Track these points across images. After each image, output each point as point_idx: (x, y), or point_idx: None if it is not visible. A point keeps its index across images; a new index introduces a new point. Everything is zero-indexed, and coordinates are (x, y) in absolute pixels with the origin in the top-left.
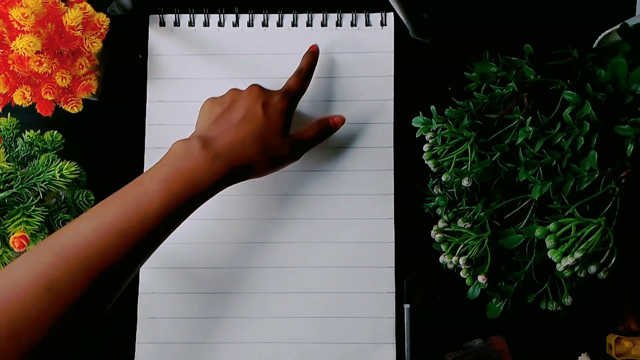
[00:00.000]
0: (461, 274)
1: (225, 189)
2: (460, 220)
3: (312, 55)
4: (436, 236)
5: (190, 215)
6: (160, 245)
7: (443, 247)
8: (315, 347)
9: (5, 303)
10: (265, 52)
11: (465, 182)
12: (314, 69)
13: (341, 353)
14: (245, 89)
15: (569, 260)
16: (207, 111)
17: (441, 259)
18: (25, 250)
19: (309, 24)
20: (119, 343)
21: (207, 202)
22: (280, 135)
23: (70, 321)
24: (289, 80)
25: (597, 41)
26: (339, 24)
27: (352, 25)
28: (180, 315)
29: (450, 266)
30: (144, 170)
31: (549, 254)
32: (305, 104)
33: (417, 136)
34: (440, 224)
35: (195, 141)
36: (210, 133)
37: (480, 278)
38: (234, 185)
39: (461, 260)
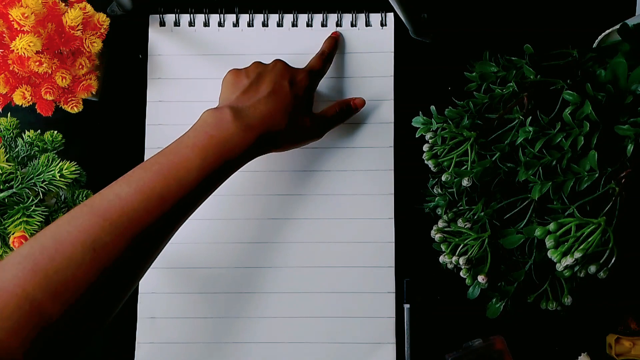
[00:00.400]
0: (461, 274)
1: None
2: (460, 220)
3: (334, 40)
4: (436, 236)
5: (190, 215)
6: None
7: (443, 247)
8: (315, 347)
9: (51, 262)
10: (266, 52)
11: (465, 182)
12: (334, 53)
13: (341, 353)
14: (270, 62)
15: (568, 260)
16: (232, 82)
17: (441, 259)
18: None
19: (309, 24)
20: (118, 343)
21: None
22: (305, 111)
23: (112, 280)
24: (312, 60)
25: (597, 41)
26: (339, 24)
27: (352, 25)
28: (180, 315)
29: (450, 266)
30: None
31: (549, 253)
32: None
33: (417, 136)
34: (440, 223)
35: (227, 111)
36: (240, 104)
37: (480, 278)
38: (233, 185)
39: (461, 260)
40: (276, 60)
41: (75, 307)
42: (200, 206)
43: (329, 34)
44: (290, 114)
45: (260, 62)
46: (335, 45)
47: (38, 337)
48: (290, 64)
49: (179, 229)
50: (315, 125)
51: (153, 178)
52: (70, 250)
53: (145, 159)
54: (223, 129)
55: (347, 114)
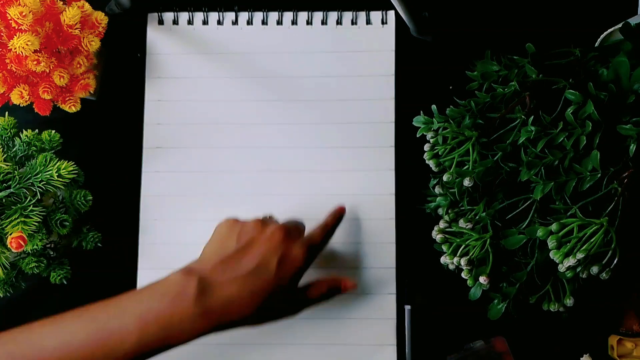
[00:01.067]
0: (462, 274)
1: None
2: (461, 220)
3: (339, 213)
4: (437, 237)
5: (192, 216)
6: (159, 245)
7: (444, 247)
8: (315, 349)
9: None
10: (265, 50)
11: (466, 182)
12: (337, 226)
13: (342, 354)
14: (270, 228)
15: (571, 261)
16: (220, 239)
17: (442, 259)
18: (23, 250)
19: (309, 22)
20: None
21: (205, 201)
22: (286, 293)
23: None
24: (314, 232)
25: (599, 40)
26: (339, 22)
27: (352, 23)
28: None
29: (451, 267)
30: (142, 170)
31: (551, 254)
32: (304, 104)
33: (418, 135)
34: (442, 224)
35: (192, 285)
36: (213, 277)
37: (482, 279)
38: (232, 185)
39: (462, 261)
40: (277, 228)
41: None
42: (203, 206)
43: (335, 207)
44: (266, 299)
45: (259, 223)
46: (339, 221)
47: None
48: (289, 63)
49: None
50: (294, 307)
51: (82, 338)
52: None
53: (143, 158)
54: (179, 307)
55: (334, 294)
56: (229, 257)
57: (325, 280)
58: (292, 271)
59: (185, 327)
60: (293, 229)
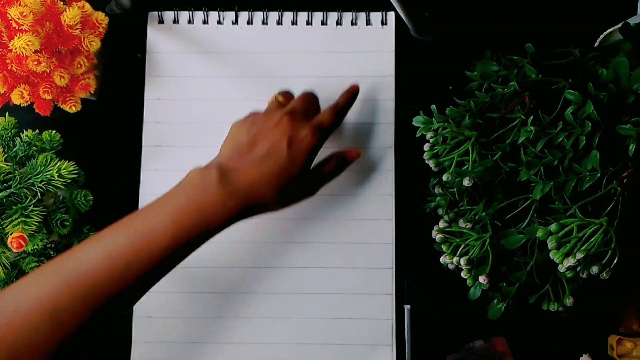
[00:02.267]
0: (462, 274)
1: None
2: (461, 220)
3: (351, 93)
4: (437, 236)
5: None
6: None
7: (444, 247)
8: (311, 348)
9: (9, 325)
10: (265, 50)
11: (466, 182)
12: (349, 107)
13: (338, 354)
14: (277, 115)
15: (570, 261)
16: (233, 135)
17: (442, 259)
18: (23, 250)
19: (309, 23)
20: (114, 342)
21: None
22: (300, 174)
23: (69, 345)
24: (323, 113)
25: (598, 40)
26: (339, 22)
27: (352, 24)
28: (176, 315)
29: (451, 267)
30: (141, 169)
31: (551, 254)
32: None
33: (417, 135)
34: (441, 224)
35: (213, 172)
36: (230, 164)
37: (482, 279)
38: None
39: (462, 261)
40: (284, 114)
41: None
42: None
43: (347, 87)
44: (282, 178)
45: (266, 114)
46: (352, 100)
47: None
48: (289, 63)
49: None
50: (310, 186)
51: (122, 243)
52: (29, 315)
53: (142, 157)
54: (205, 194)
55: (343, 167)
56: (241, 148)
57: (331, 156)
58: (302, 151)
59: (215, 210)
60: (303, 111)
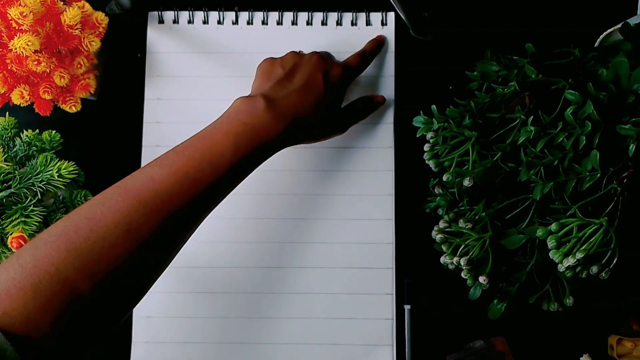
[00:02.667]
0: (462, 274)
1: None
2: (461, 220)
3: (378, 42)
4: (437, 237)
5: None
6: None
7: (444, 247)
8: (311, 348)
9: (85, 242)
10: (265, 50)
11: (466, 182)
12: (375, 56)
13: (338, 354)
14: (306, 54)
15: (570, 261)
16: (266, 72)
17: (442, 259)
18: None
19: (309, 23)
20: (114, 342)
21: None
22: (335, 105)
23: (143, 261)
24: (350, 57)
25: (598, 40)
26: (339, 23)
27: (352, 24)
28: (176, 315)
29: (451, 267)
30: None
31: (551, 254)
32: None
33: (417, 136)
34: (441, 224)
35: (260, 99)
36: (273, 94)
37: (482, 279)
38: None
39: (462, 261)
40: (312, 52)
41: (106, 286)
42: None
43: (375, 35)
44: (321, 106)
45: (296, 53)
46: (378, 49)
47: (68, 313)
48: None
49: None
50: (342, 120)
51: (186, 162)
52: (103, 231)
53: (142, 157)
54: (256, 117)
55: (370, 110)
56: (280, 79)
57: (359, 99)
58: (335, 86)
59: (268, 131)
60: (327, 55)
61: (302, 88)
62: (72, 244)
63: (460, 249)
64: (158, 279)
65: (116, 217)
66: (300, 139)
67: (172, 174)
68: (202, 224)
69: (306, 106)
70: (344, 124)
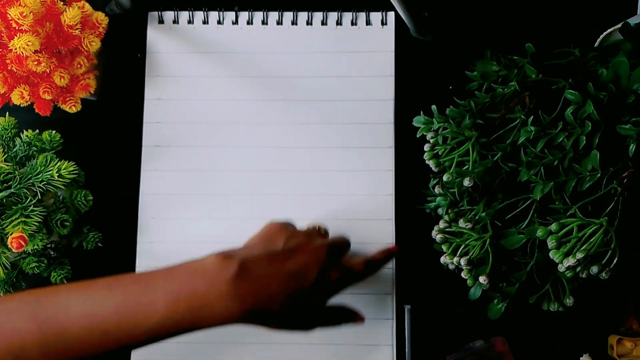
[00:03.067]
0: (462, 274)
1: (223, 188)
2: (461, 220)
3: (389, 252)
4: (437, 236)
5: (190, 214)
6: (157, 243)
7: (444, 247)
8: (312, 348)
9: None
10: (265, 50)
11: (466, 182)
12: (382, 265)
13: (338, 354)
14: (319, 242)
15: (570, 261)
16: (269, 235)
17: (442, 259)
18: (23, 250)
19: (309, 23)
20: None
21: (205, 201)
22: (313, 307)
23: None
24: (357, 263)
25: (598, 40)
26: (339, 22)
27: (352, 24)
28: None
29: (451, 267)
30: (141, 169)
31: (551, 254)
32: (304, 105)
33: (418, 136)
34: (442, 224)
35: (233, 267)
36: (256, 265)
37: (482, 279)
38: (232, 183)
39: (462, 261)
40: (324, 245)
41: None
42: (201, 205)
43: (388, 245)
44: (296, 304)
45: (308, 234)
46: (387, 260)
47: None
48: (289, 63)
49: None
50: (310, 322)
51: (108, 311)
52: None
53: (142, 157)
54: (214, 287)
55: (341, 322)
56: (275, 254)
57: (336, 309)
58: (326, 290)
59: (216, 309)
60: (337, 250)
61: (290, 275)
62: None
63: (460, 249)
64: None
65: (10, 337)
66: (255, 322)
67: (86, 315)
68: (201, 222)
69: (280, 297)
70: (314, 324)
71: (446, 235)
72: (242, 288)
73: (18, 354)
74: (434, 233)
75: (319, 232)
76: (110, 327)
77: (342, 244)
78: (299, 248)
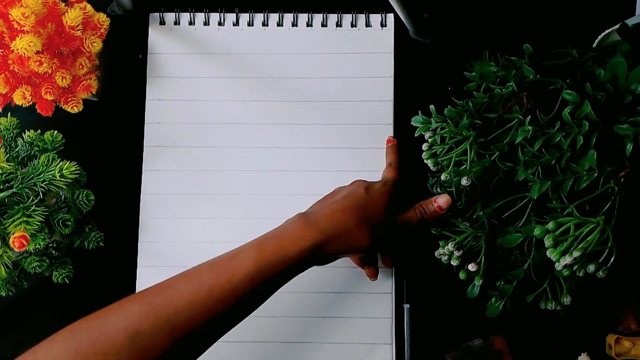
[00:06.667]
0: (452, 262)
1: (224, 188)
2: (459, 219)
3: (394, 147)
4: (432, 229)
5: (191, 214)
6: (158, 243)
7: (441, 243)
8: (311, 347)
9: (93, 347)
10: (265, 51)
11: (464, 181)
12: (398, 158)
13: (338, 353)
14: (354, 180)
15: (567, 259)
16: (324, 198)
17: (436, 252)
18: (25, 250)
19: (309, 24)
20: None
21: (208, 200)
22: (381, 211)
23: None
24: (384, 172)
25: (596, 41)
26: (339, 24)
27: (352, 26)
28: None
29: (444, 259)
30: (142, 169)
31: (548, 253)
32: (304, 105)
33: (416, 135)
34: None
35: (296, 215)
36: (311, 209)
37: (471, 266)
38: (233, 183)
39: (450, 245)
40: (358, 179)
41: None
42: (202, 205)
43: (387, 142)
44: (363, 211)
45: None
46: (398, 154)
47: None
48: (289, 64)
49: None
50: (395, 227)
51: (206, 272)
52: (113, 337)
53: (144, 158)
54: (285, 225)
55: (424, 222)
56: (323, 199)
57: (418, 204)
58: (378, 194)
59: (295, 239)
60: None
61: (342, 198)
62: (82, 347)
63: (455, 241)
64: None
65: (125, 322)
66: (345, 248)
67: (187, 282)
68: (202, 221)
69: (345, 210)
70: (399, 229)
71: (443, 232)
72: (310, 217)
73: (135, 336)
74: (433, 231)
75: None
76: (211, 285)
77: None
78: (340, 187)
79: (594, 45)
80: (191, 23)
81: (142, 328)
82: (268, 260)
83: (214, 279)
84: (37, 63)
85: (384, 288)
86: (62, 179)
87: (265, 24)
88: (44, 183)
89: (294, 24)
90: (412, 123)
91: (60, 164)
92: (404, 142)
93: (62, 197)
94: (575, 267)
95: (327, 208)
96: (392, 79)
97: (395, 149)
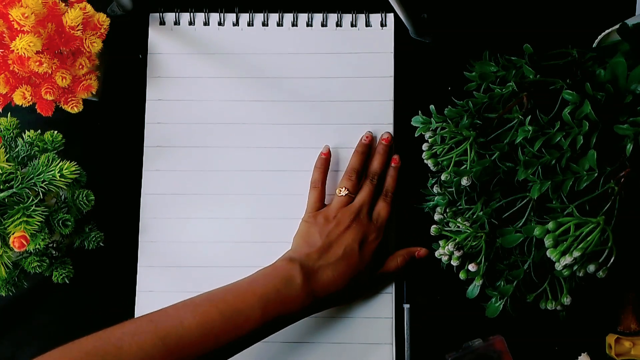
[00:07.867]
0: (452, 262)
1: (226, 188)
2: (459, 219)
3: (395, 171)
4: (432, 229)
5: (191, 214)
6: (158, 243)
7: (441, 243)
8: (311, 347)
9: None
10: (265, 51)
11: (464, 182)
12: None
13: (338, 353)
14: (347, 220)
15: (567, 259)
16: (306, 235)
17: (437, 253)
18: (25, 250)
19: (309, 24)
20: None
21: (208, 200)
22: (368, 271)
23: None
24: (381, 207)
25: (596, 41)
26: (339, 24)
27: (352, 25)
28: None
29: (444, 259)
30: (143, 170)
31: (548, 253)
32: (304, 105)
33: (416, 135)
34: (436, 216)
35: (298, 270)
36: (310, 264)
37: (471, 266)
38: (234, 183)
39: (450, 245)
40: (353, 219)
41: None
42: (202, 205)
43: (392, 162)
44: (354, 277)
45: (337, 218)
46: (396, 181)
47: None
48: (289, 64)
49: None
50: (375, 281)
51: (216, 316)
52: None
53: (144, 158)
54: (291, 289)
55: (406, 262)
56: (317, 249)
57: (400, 253)
58: (370, 253)
59: (296, 305)
60: (368, 207)
61: (338, 261)
62: None
63: (456, 242)
64: (159, 278)
65: (140, 354)
66: (327, 307)
67: (199, 326)
68: (202, 222)
69: (338, 280)
70: (378, 283)
71: (443, 231)
72: (312, 285)
73: None
74: (432, 230)
75: (347, 197)
76: (219, 333)
77: (371, 193)
78: (333, 234)
79: (594, 45)
80: (191, 23)
81: None
82: (272, 319)
83: (222, 329)
84: (37, 63)
85: (385, 288)
86: (62, 179)
87: (265, 24)
88: (44, 183)
89: (294, 24)
90: (412, 123)
91: (60, 164)
92: (404, 142)
93: (62, 197)
94: (575, 267)
95: (326, 274)
96: (392, 78)
97: (395, 173)
